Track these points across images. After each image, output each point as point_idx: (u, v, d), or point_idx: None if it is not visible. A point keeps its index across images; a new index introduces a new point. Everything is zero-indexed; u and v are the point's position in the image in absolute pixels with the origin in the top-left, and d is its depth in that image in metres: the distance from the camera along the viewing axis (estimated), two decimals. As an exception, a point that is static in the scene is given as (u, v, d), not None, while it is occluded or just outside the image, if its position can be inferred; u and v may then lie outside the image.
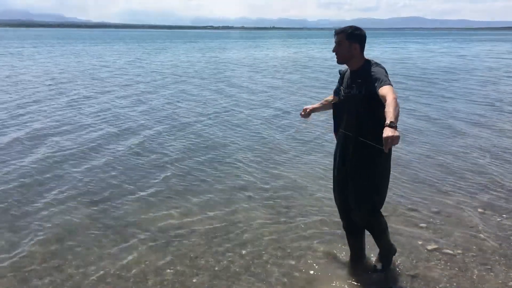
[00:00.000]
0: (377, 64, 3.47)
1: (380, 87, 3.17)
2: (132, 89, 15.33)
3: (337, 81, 3.79)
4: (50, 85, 15.95)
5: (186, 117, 10.60)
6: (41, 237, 4.49)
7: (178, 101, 12.96)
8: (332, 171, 3.84)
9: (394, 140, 2.76)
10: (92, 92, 14.46)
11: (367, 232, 3.84)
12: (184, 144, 8.13)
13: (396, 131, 2.79)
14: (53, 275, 3.80)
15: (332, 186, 3.88)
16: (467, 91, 14.84)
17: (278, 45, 61.14)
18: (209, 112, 11.23)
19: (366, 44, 3.59)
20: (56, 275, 3.81)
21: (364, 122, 3.37)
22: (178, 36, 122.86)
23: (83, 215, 5.03)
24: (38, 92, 14.21)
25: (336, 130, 3.73)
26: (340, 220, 3.99)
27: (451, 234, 4.54)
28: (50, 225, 4.77)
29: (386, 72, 3.37)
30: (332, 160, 3.81)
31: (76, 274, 3.83)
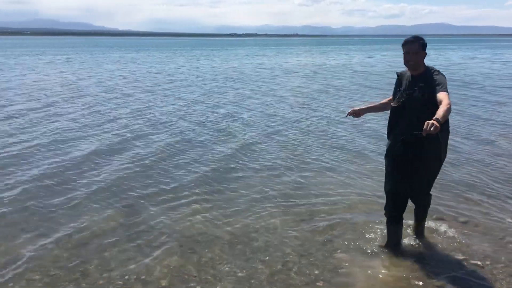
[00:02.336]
0: (439, 72, 3.86)
1: (439, 91, 3.62)
2: (180, 93, 15.53)
3: (395, 83, 4.13)
4: (114, 89, 16.46)
5: (220, 122, 10.62)
6: (67, 240, 4.55)
7: (221, 106, 13.03)
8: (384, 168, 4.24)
9: (433, 127, 3.21)
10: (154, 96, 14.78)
11: None
12: (211, 148, 8.14)
13: (437, 125, 3.23)
14: (78, 279, 3.85)
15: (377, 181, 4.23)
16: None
17: (307, 52, 61.23)
18: (245, 116, 11.22)
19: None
20: (81, 279, 3.86)
21: (425, 122, 3.55)
22: (204, 43, 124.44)
23: (109, 219, 5.09)
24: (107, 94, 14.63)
25: (391, 130, 4.08)
26: (357, 225, 4.21)
27: (480, 245, 4.43)
28: (75, 228, 4.84)
29: (446, 79, 3.80)
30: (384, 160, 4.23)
31: (101, 278, 3.87)
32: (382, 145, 7.93)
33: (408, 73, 4.00)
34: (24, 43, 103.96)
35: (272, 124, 10.54)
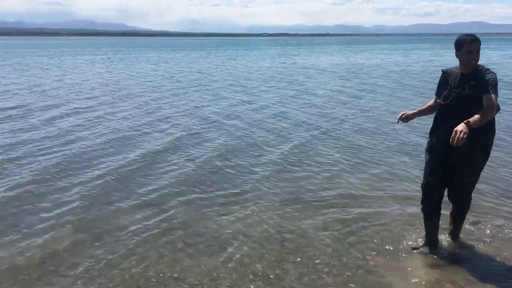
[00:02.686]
0: (490, 70, 3.83)
1: (488, 93, 3.64)
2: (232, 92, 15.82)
3: (440, 81, 4.13)
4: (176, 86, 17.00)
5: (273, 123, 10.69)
6: (101, 237, 4.68)
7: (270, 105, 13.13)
8: (429, 164, 4.16)
9: (459, 134, 3.39)
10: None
11: None
12: (233, 140, 8.21)
13: (466, 130, 3.40)
14: (114, 275, 3.95)
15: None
16: None
17: (341, 51, 60.86)
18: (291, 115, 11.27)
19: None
20: (117, 275, 3.95)
21: None
22: (236, 43, 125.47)
23: (141, 218, 5.17)
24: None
25: (436, 128, 4.07)
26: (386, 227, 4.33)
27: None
28: (108, 226, 4.96)
29: (497, 78, 3.78)
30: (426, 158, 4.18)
31: (136, 274, 3.96)
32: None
33: (457, 71, 3.96)
34: (64, 44, 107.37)
35: (321, 124, 10.54)
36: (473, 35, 3.87)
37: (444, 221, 4.47)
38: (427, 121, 4.15)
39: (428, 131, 4.22)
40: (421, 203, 4.28)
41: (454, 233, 4.46)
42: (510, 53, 46.28)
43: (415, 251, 4.30)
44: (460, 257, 4.24)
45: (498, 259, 4.16)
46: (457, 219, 4.38)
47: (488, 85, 3.68)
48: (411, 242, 4.46)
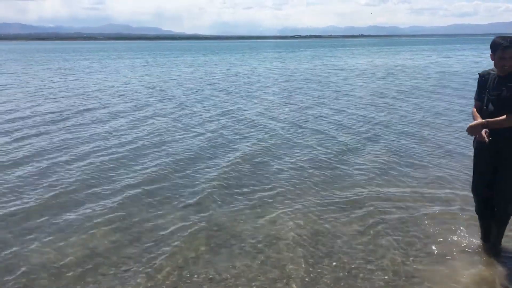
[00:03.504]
0: None
1: None
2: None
3: (478, 84, 4.07)
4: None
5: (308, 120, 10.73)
6: (139, 238, 4.78)
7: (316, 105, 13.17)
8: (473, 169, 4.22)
9: (470, 129, 3.75)
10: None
11: None
12: (262, 148, 8.26)
13: (479, 128, 3.72)
14: (150, 275, 4.03)
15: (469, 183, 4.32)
16: None
17: (378, 53, 60.22)
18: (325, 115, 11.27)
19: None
20: (153, 275, 4.03)
21: None
22: (269, 46, 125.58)
23: (177, 219, 5.27)
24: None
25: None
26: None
27: None
28: (146, 227, 5.07)
29: None
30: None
31: (173, 276, 4.03)
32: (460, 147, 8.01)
33: (493, 73, 3.91)
34: (101, 48, 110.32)
35: (364, 127, 10.45)
36: (508, 39, 3.75)
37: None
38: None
39: None
40: (475, 205, 4.35)
41: (497, 238, 4.33)
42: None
43: (455, 254, 4.26)
44: (501, 264, 4.15)
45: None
46: (498, 224, 4.23)
47: None
48: (450, 247, 4.40)
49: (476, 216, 4.47)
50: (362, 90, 18.01)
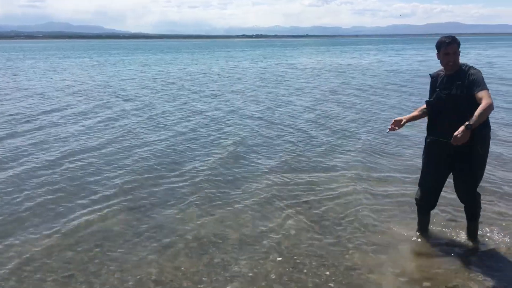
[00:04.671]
0: (473, 67, 3.93)
1: (479, 91, 3.71)
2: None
3: (430, 85, 4.23)
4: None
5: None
6: (80, 242, 4.60)
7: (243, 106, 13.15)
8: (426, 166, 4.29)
9: (460, 140, 3.56)
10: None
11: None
12: (217, 148, 8.19)
13: (467, 133, 3.55)
14: (91, 280, 3.89)
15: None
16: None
17: (327, 52, 61.48)
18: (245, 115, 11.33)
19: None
20: (94, 280, 3.89)
21: (466, 119, 3.65)
22: (217, 45, 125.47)
23: (120, 221, 5.12)
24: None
25: (430, 128, 4.18)
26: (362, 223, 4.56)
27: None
28: (88, 230, 4.88)
29: (481, 74, 3.85)
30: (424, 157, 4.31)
31: (114, 279, 3.90)
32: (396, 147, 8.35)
33: (443, 73, 4.05)
34: (45, 47, 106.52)
35: (319, 124, 10.66)
36: (450, 37, 3.95)
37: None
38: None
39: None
40: (416, 199, 4.45)
41: (471, 233, 4.45)
42: (489, 53, 47.26)
43: (393, 249, 4.38)
44: (442, 255, 4.32)
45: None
46: (470, 218, 4.38)
47: (477, 83, 3.77)
48: (389, 242, 4.53)
49: (415, 207, 4.63)
50: (319, 87, 18.52)
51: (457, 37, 4.00)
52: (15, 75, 26.00)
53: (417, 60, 37.27)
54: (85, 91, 18.10)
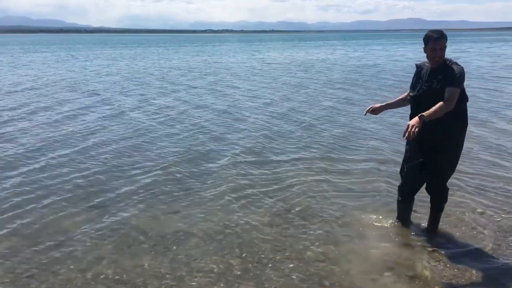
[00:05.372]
0: (456, 63, 3.99)
1: (448, 87, 3.82)
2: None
3: (414, 74, 4.29)
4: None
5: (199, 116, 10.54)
6: (39, 242, 4.50)
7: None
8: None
9: (412, 128, 3.60)
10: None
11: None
12: (181, 143, 8.12)
13: (419, 124, 3.61)
14: (51, 280, 3.81)
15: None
16: None
17: (295, 47, 61.62)
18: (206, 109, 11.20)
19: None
20: (54, 280, 3.81)
21: (444, 115, 3.80)
22: (184, 40, 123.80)
23: (81, 219, 5.03)
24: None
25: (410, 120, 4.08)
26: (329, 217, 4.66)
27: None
28: (47, 229, 4.78)
29: (463, 71, 3.92)
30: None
31: (74, 278, 3.83)
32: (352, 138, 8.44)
33: (428, 65, 4.11)
34: (1, 41, 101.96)
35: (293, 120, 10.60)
36: (439, 32, 3.98)
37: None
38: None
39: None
40: (398, 188, 4.61)
41: (432, 224, 4.59)
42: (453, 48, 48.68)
43: (356, 240, 4.47)
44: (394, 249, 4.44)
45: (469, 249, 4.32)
46: (434, 210, 4.52)
47: (450, 79, 3.84)
48: (352, 233, 4.64)
49: (377, 199, 4.82)
50: (288, 82, 18.60)
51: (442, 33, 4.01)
52: None
53: (384, 55, 38.04)
54: (46, 86, 17.56)
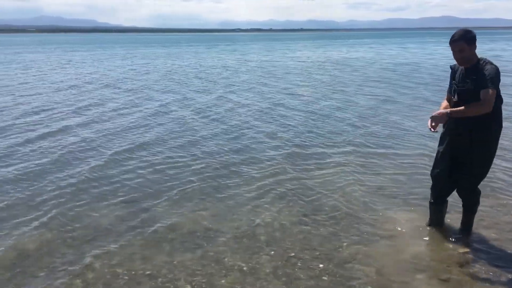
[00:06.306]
0: (490, 63, 3.90)
1: (483, 89, 3.75)
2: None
3: (450, 76, 4.25)
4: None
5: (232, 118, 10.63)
6: (72, 236, 4.61)
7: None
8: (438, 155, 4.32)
9: (434, 119, 3.79)
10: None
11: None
12: (216, 142, 8.20)
13: (443, 117, 3.79)
14: (85, 274, 3.90)
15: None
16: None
17: (330, 46, 61.36)
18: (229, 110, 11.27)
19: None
20: (88, 274, 3.90)
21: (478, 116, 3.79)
22: (214, 39, 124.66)
23: (114, 216, 5.12)
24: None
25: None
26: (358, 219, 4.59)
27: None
28: (80, 225, 4.89)
29: (498, 71, 3.83)
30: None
31: (107, 273, 3.91)
32: (394, 141, 8.35)
33: (461, 66, 4.06)
34: (43, 40, 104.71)
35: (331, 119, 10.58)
36: (457, 33, 3.96)
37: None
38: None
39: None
40: (430, 189, 4.53)
41: (465, 226, 4.50)
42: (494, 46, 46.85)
43: (387, 241, 4.41)
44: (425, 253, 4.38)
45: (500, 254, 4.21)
46: (466, 213, 4.45)
47: (485, 80, 3.79)
48: (382, 234, 4.58)
49: (408, 200, 4.77)
50: (327, 81, 18.43)
51: (469, 31, 3.96)
52: (29, 69, 25.46)
53: (420, 53, 37.29)
54: (90, 84, 18.12)
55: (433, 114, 3.88)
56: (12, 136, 8.97)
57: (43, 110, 12.01)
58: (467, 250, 4.23)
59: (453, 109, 3.75)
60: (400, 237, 4.52)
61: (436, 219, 4.62)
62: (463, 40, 3.91)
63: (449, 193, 4.46)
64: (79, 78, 20.47)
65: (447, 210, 4.73)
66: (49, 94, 15.26)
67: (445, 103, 4.30)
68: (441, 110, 3.83)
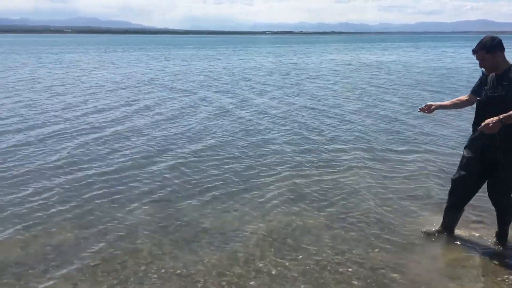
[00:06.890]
0: None
1: None
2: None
3: (479, 79, 4.21)
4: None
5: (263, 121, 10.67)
6: (106, 233, 4.70)
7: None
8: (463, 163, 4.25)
9: (489, 128, 3.65)
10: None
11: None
12: (246, 144, 8.23)
13: (497, 125, 3.63)
14: (117, 271, 3.97)
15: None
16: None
17: (361, 49, 61.46)
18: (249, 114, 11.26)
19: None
20: (120, 271, 3.96)
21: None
22: (246, 41, 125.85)
23: (145, 215, 5.20)
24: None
25: (476, 125, 4.07)
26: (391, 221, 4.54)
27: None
28: (113, 223, 4.96)
29: None
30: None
31: (139, 271, 3.97)
32: (405, 147, 8.19)
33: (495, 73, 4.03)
34: (82, 41, 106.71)
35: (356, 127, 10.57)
36: (479, 43, 3.97)
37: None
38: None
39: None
40: (448, 194, 4.44)
41: (501, 237, 4.42)
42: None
43: (418, 246, 4.37)
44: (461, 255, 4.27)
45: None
46: (500, 223, 4.37)
47: None
48: (414, 240, 4.52)
49: (439, 207, 4.70)
50: (367, 83, 18.42)
51: (493, 38, 3.94)
52: (81, 69, 26.15)
53: (460, 58, 36.17)
54: (140, 84, 18.56)
55: (484, 122, 3.72)
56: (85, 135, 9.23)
57: (107, 110, 12.31)
58: (502, 261, 4.12)
59: (505, 114, 3.65)
60: (431, 244, 4.45)
61: (447, 225, 4.54)
62: (483, 49, 3.93)
63: (468, 199, 4.37)
64: (128, 78, 20.98)
65: (482, 220, 4.65)
66: (106, 93, 15.73)
67: (455, 99, 4.46)
68: (492, 118, 3.67)
